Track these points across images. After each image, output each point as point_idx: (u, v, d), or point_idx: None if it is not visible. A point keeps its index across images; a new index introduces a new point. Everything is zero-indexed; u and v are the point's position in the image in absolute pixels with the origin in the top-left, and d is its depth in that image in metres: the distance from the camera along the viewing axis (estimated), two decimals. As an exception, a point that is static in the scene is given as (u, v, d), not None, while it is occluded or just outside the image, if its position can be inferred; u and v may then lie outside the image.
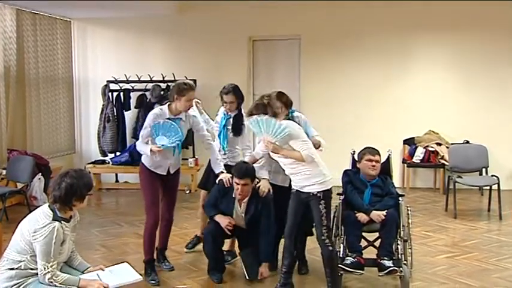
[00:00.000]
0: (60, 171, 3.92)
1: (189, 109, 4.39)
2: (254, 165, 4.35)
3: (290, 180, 4.07)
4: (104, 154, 8.41)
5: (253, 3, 8.14)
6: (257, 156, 4.33)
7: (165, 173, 4.44)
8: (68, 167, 4.85)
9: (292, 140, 3.85)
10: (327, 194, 3.89)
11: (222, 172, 4.46)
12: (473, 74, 7.96)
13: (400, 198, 4.42)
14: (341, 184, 4.55)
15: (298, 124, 4.09)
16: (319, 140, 4.40)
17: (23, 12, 7.64)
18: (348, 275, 4.17)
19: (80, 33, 8.86)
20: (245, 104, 4.89)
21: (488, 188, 6.69)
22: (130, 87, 8.40)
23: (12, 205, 6.76)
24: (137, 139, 7.93)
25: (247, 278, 4.42)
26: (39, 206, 3.35)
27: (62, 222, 3.18)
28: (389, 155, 4.66)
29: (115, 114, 8.32)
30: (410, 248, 4.44)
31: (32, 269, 3.13)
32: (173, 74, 8.07)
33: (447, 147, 7.51)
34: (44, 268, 3.07)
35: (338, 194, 4.49)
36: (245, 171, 4.26)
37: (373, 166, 4.43)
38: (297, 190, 3.98)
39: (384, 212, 4.28)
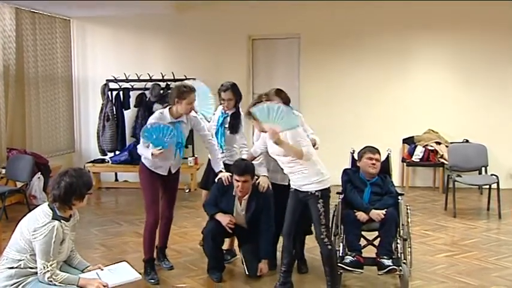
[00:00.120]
0: (59, 170, 3.92)
1: (190, 111, 4.37)
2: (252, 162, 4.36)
3: (289, 179, 4.07)
4: (104, 153, 8.41)
5: (253, 2, 8.14)
6: (255, 154, 4.33)
7: (165, 173, 4.44)
8: (68, 166, 4.85)
9: (295, 134, 3.83)
10: (325, 193, 3.88)
11: (221, 171, 4.47)
12: (472, 73, 7.96)
13: (399, 197, 4.42)
14: (340, 183, 4.56)
15: None
16: (314, 138, 4.40)
17: (22, 11, 7.63)
18: (347, 273, 4.18)
19: (79, 32, 8.85)
20: (244, 103, 4.89)
21: (487, 187, 6.69)
22: (130, 86, 8.39)
23: (11, 204, 6.76)
24: (137, 138, 8.11)
25: (247, 273, 4.44)
26: (38, 205, 3.35)
27: (62, 221, 3.18)
28: (389, 154, 4.67)
29: (114, 113, 8.31)
30: (410, 247, 4.45)
31: (31, 268, 3.13)
32: (173, 73, 8.07)
33: (446, 146, 7.51)
34: (44, 267, 3.07)
35: (337, 193, 4.50)
36: (245, 167, 4.27)
37: (374, 164, 4.43)
38: (295, 189, 3.98)
39: (384, 211, 4.29)
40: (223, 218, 4.36)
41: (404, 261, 4.17)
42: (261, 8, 8.20)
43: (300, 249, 4.58)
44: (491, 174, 6.53)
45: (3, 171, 6.77)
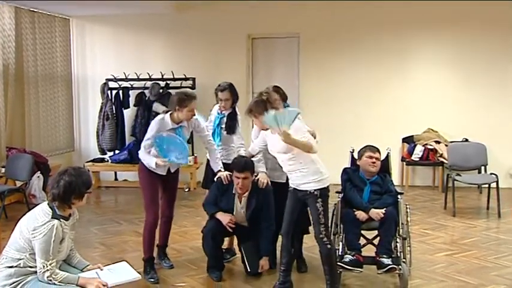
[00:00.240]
0: (59, 169, 3.90)
1: (191, 118, 4.36)
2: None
3: (287, 176, 4.07)
4: (103, 152, 8.41)
5: (253, 2, 8.13)
6: (253, 153, 4.33)
7: (164, 173, 4.44)
8: (67, 165, 4.80)
9: (297, 129, 3.83)
10: (324, 192, 3.88)
11: (220, 170, 4.47)
12: (472, 72, 7.96)
13: (399, 196, 4.42)
14: (340, 182, 4.56)
15: None
16: (313, 131, 4.38)
17: (21, 10, 7.62)
18: (346, 272, 4.18)
19: (78, 31, 8.85)
20: (242, 102, 4.88)
21: (487, 186, 6.69)
22: (129, 85, 8.38)
23: (11, 203, 6.77)
24: (136, 137, 8.11)
25: (248, 270, 4.44)
26: (38, 204, 3.35)
27: (61, 220, 3.18)
28: (389, 153, 4.67)
29: (114, 112, 8.31)
30: (409, 246, 4.45)
31: (31, 267, 3.13)
32: (172, 72, 8.07)
33: (446, 145, 7.51)
34: (43, 266, 3.07)
35: (337, 192, 4.50)
36: (244, 164, 4.28)
37: (374, 163, 4.44)
38: (294, 188, 3.97)
39: (383, 210, 4.29)
40: (223, 217, 4.36)
41: (404, 260, 4.17)
42: (260, 7, 8.19)
43: (298, 248, 4.58)
44: (491, 173, 6.53)
45: (3, 170, 6.76)
